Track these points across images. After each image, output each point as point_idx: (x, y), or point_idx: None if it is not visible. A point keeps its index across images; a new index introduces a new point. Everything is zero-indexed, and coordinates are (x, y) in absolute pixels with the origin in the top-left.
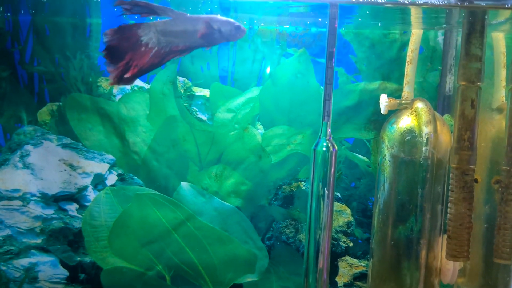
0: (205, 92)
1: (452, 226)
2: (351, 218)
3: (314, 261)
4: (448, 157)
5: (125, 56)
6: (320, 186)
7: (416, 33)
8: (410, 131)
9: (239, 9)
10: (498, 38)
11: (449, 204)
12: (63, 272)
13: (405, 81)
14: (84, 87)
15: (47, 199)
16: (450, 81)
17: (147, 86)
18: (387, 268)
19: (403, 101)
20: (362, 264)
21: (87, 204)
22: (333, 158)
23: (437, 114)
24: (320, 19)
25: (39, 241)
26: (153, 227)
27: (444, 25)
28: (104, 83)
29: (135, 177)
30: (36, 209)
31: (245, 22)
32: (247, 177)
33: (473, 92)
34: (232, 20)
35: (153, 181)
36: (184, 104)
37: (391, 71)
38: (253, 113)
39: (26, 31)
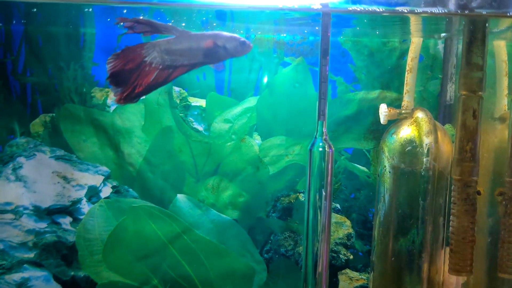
0: (201, 102)
1: (454, 240)
2: (351, 230)
3: (313, 273)
4: (449, 168)
5: (130, 78)
6: (318, 188)
7: (415, 41)
8: (410, 142)
9: (235, 18)
10: (499, 46)
11: (451, 217)
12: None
13: (405, 90)
14: (77, 97)
15: (40, 212)
16: (451, 90)
17: (142, 97)
18: (389, 282)
19: (403, 111)
20: (362, 277)
21: (81, 217)
22: (330, 159)
23: (438, 124)
24: (317, 28)
25: (31, 255)
26: (149, 241)
27: (444, 33)
28: (98, 94)
29: (130, 189)
30: (28, 222)
31: (241, 31)
32: (245, 189)
33: (475, 102)
34: (237, 35)
35: (148, 193)
36: (180, 115)
37: (391, 80)
38: (250, 123)
39: (19, 41)
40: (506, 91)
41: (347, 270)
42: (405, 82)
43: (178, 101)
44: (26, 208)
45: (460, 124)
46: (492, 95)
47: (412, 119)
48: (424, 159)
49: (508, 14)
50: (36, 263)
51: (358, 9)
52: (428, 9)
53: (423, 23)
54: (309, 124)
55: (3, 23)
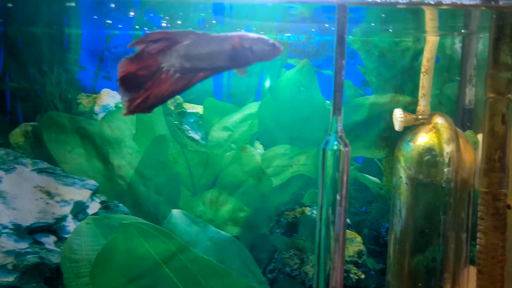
0: (198, 109)
1: (482, 259)
2: (362, 247)
3: None
4: (472, 178)
5: (142, 85)
6: (332, 194)
7: (431, 40)
8: (429, 150)
9: (234, 15)
10: None
11: (478, 234)
12: None
13: (420, 94)
14: (62, 104)
15: (21, 231)
16: (470, 93)
17: None
18: None
19: (419, 116)
20: None
21: (66, 236)
22: (346, 158)
23: (459, 130)
24: (327, 25)
25: (11, 279)
26: (141, 261)
27: (463, 31)
28: (84, 100)
29: (121, 204)
30: (8, 242)
31: (242, 31)
32: (246, 203)
33: (503, 105)
34: (265, 37)
35: (140, 208)
36: (175, 122)
37: (404, 83)
38: (251, 131)
39: None
40: None
41: None
42: (421, 85)
43: (172, 108)
44: (5, 227)
45: (487, 130)
46: None
47: (431, 125)
48: (445, 169)
49: None
50: None
51: (379, 1)
52: (459, 1)
53: (440, 19)
54: (315, 132)
55: None
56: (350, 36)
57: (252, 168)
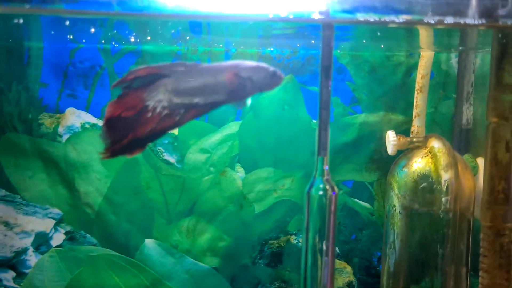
0: (173, 129)
1: None
2: (352, 278)
3: None
4: (472, 206)
5: (126, 128)
6: (317, 240)
7: (426, 56)
8: (425, 177)
9: (213, 31)
10: None
11: (481, 273)
12: None
13: (414, 113)
14: (22, 125)
15: None
16: (467, 112)
17: (101, 123)
18: None
19: (414, 139)
20: None
21: (26, 271)
22: (333, 204)
23: (457, 155)
24: (313, 41)
25: None
26: None
27: (460, 48)
28: (47, 121)
29: (88, 235)
30: None
31: (221, 45)
32: (226, 231)
33: (508, 131)
34: (263, 64)
35: (110, 239)
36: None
37: (396, 100)
38: (231, 153)
39: None
40: None
41: None
42: (415, 103)
43: None
44: None
45: (491, 158)
46: None
47: (427, 149)
48: (443, 198)
49: None
50: None
51: (372, 20)
52: (462, 20)
53: (435, 35)
54: (301, 153)
55: None
56: (338, 50)
57: (232, 193)
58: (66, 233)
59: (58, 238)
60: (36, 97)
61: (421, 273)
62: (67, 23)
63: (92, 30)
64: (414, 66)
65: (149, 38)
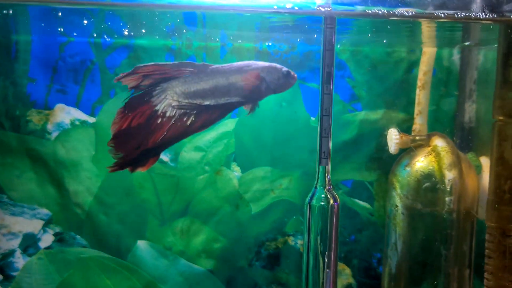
0: None
1: None
2: (351, 280)
3: None
4: (476, 206)
5: (136, 137)
6: (319, 251)
7: (428, 52)
8: (428, 176)
9: (208, 24)
10: None
11: (486, 275)
12: None
13: (416, 111)
14: (9, 122)
15: None
16: (470, 110)
17: (92, 119)
18: None
19: (417, 137)
20: None
21: (14, 273)
22: (335, 215)
23: (461, 154)
24: (315, 35)
25: None
26: None
27: (466, 43)
28: (35, 117)
29: (78, 236)
30: None
31: (218, 39)
32: (221, 232)
33: None
34: (276, 64)
35: (101, 240)
36: None
37: (397, 98)
38: (227, 152)
39: None
40: None
41: None
42: (417, 101)
43: None
44: None
45: (497, 157)
46: None
47: (429, 148)
48: (447, 199)
49: None
50: None
51: (380, 12)
52: (473, 14)
53: (437, 30)
54: (300, 152)
55: None
56: (338, 46)
57: (228, 193)
58: (55, 234)
59: (46, 239)
60: (24, 93)
61: (424, 274)
62: (57, 14)
63: (83, 22)
64: (416, 63)
65: (143, 31)
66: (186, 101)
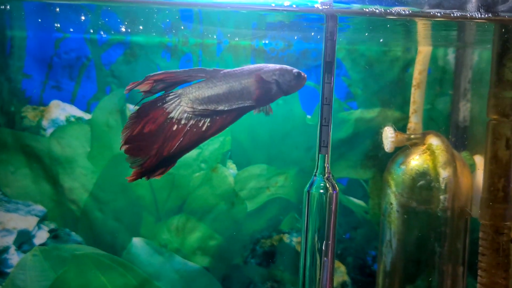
0: None
1: None
2: (346, 277)
3: None
4: (470, 204)
5: (151, 144)
6: (316, 240)
7: (424, 51)
8: (423, 175)
9: (205, 21)
10: None
11: (479, 272)
12: None
13: (411, 110)
14: (4, 118)
15: None
16: (464, 109)
17: (87, 116)
18: None
19: (412, 136)
20: None
21: (8, 270)
22: (334, 203)
23: (455, 152)
24: (313, 33)
25: None
26: None
27: (458, 43)
28: (30, 113)
29: (73, 232)
30: None
31: (215, 37)
32: (217, 230)
33: (508, 128)
34: (287, 66)
35: (96, 237)
36: None
37: (393, 96)
38: (223, 149)
39: None
40: None
41: None
42: (412, 99)
43: None
44: None
45: (491, 156)
46: None
47: (424, 147)
48: (441, 197)
49: None
50: None
51: (377, 11)
52: (468, 13)
53: (433, 29)
54: (295, 150)
55: None
56: None
57: (224, 190)
58: (50, 231)
59: (41, 236)
60: (19, 89)
61: (418, 272)
62: (53, 10)
63: (79, 18)
64: (411, 62)
65: (140, 27)
66: (201, 107)
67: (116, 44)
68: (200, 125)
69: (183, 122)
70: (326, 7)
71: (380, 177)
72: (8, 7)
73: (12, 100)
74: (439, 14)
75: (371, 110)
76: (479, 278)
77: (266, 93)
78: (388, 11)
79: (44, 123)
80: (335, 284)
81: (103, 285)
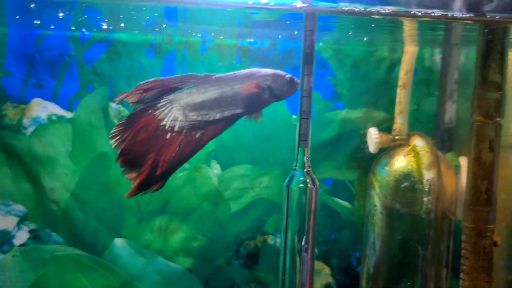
0: None
1: None
2: (330, 279)
3: None
4: (454, 206)
5: (146, 153)
6: (296, 239)
7: (410, 51)
8: (407, 176)
9: (189, 19)
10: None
11: (461, 275)
12: None
13: (397, 110)
14: None
15: None
16: (450, 110)
17: (69, 115)
18: None
19: (397, 137)
20: None
21: None
22: (314, 198)
23: (440, 154)
24: (296, 32)
25: None
26: None
27: (445, 43)
28: (11, 112)
29: (53, 233)
30: None
31: (199, 35)
32: (200, 231)
33: (491, 130)
34: (279, 71)
35: (77, 237)
36: None
37: (379, 97)
38: (207, 149)
39: None
40: None
41: None
42: (397, 100)
43: (116, 121)
44: None
45: (474, 158)
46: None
47: (409, 148)
48: (425, 199)
49: None
50: None
51: (357, 10)
52: (450, 13)
53: (419, 29)
54: (280, 150)
55: None
56: (320, 44)
57: (207, 191)
58: (30, 231)
59: (21, 236)
60: (0, 87)
61: (401, 274)
62: (34, 7)
63: (61, 15)
64: (398, 62)
65: (123, 25)
66: (193, 113)
67: (99, 42)
68: (193, 133)
69: (176, 130)
70: (305, 5)
71: (366, 178)
72: None
73: None
74: (419, 13)
75: (357, 110)
76: (461, 281)
77: (258, 99)
78: (368, 10)
79: (25, 121)
80: (319, 286)
81: (84, 286)
